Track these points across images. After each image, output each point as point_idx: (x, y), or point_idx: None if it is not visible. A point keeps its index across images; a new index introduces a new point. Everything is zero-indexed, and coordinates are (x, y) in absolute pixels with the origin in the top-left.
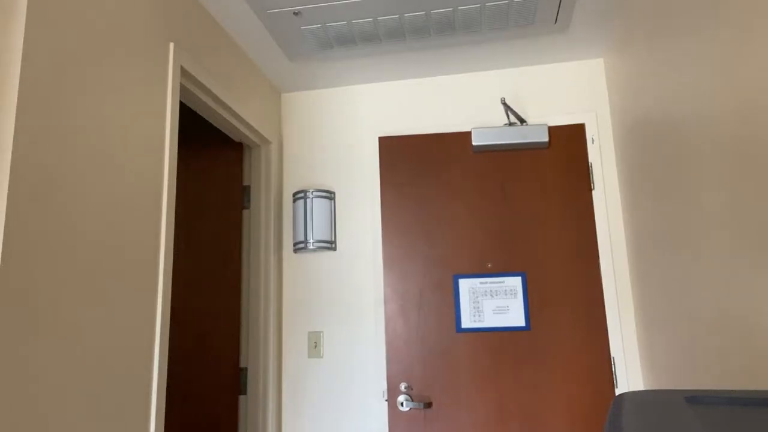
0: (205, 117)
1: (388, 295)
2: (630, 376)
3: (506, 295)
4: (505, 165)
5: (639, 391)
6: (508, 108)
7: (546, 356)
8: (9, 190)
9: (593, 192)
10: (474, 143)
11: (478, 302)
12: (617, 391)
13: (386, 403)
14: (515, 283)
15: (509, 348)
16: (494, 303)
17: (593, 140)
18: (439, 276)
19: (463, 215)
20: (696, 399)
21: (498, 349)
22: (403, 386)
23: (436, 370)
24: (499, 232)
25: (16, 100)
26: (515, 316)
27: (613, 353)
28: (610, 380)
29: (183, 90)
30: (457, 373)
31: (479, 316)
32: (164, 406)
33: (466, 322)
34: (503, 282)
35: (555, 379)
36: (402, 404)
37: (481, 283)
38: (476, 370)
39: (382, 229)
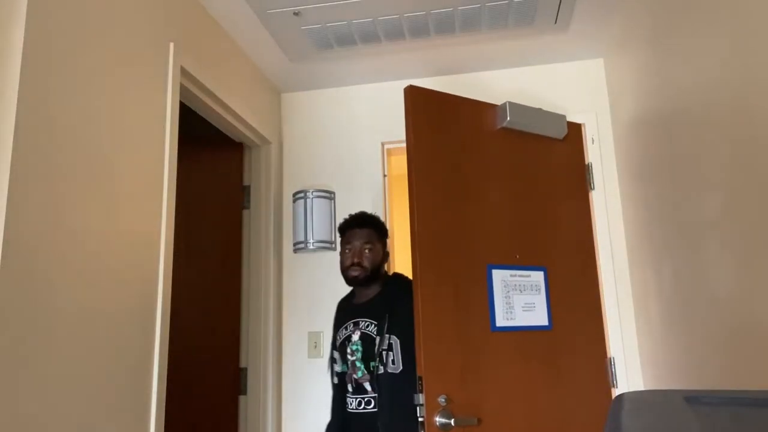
0: (205, 117)
1: (418, 283)
2: (630, 376)
3: (532, 290)
4: (524, 150)
5: (639, 391)
6: None
7: (563, 358)
8: (9, 190)
9: (593, 192)
10: (509, 117)
11: (509, 297)
12: (617, 391)
13: (421, 421)
14: (539, 278)
15: (536, 350)
16: (523, 299)
17: (593, 140)
18: (474, 264)
19: (493, 195)
20: (696, 399)
21: (528, 351)
22: (442, 399)
23: (477, 378)
24: (522, 221)
25: (16, 100)
26: (540, 315)
27: (612, 353)
28: (609, 380)
29: (183, 90)
30: (495, 381)
31: (511, 313)
32: (164, 405)
33: (500, 320)
34: (529, 276)
35: (573, 381)
36: (448, 425)
37: (511, 275)
38: (512, 376)
39: (411, 191)
